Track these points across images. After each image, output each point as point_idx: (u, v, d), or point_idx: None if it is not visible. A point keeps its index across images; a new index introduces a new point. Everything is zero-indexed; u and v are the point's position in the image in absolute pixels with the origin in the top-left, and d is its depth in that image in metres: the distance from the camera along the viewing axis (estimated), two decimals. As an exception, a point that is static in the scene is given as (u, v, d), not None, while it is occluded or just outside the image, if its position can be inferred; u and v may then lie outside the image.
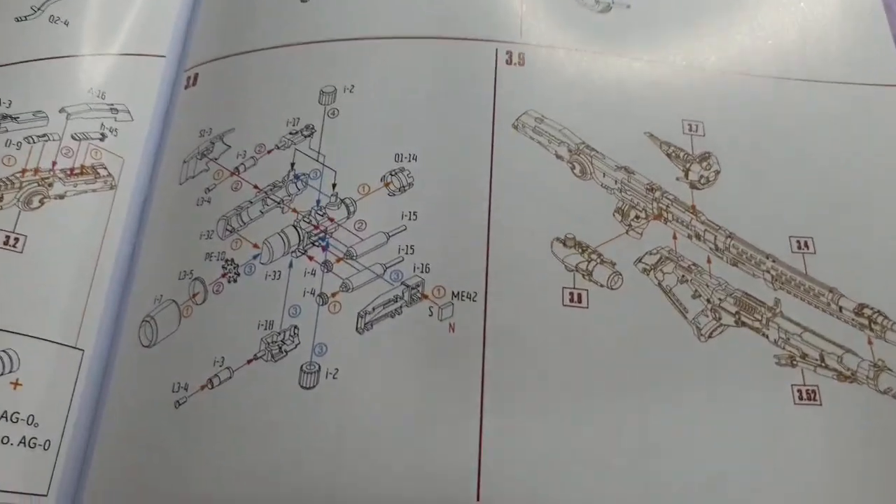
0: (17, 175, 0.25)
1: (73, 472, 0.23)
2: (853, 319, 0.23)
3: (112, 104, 0.27)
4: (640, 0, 0.28)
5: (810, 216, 0.24)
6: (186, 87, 0.29)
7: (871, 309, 0.23)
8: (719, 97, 0.26)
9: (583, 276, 0.23)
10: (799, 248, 0.24)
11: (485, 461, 0.21)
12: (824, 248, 0.24)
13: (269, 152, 0.26)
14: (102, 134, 0.27)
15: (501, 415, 0.22)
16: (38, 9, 0.28)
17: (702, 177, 0.25)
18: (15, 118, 0.26)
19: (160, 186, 0.27)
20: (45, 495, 0.23)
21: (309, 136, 0.26)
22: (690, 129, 0.25)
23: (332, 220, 0.24)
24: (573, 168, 0.25)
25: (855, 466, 0.21)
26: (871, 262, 0.24)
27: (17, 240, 0.25)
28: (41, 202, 0.25)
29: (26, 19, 0.27)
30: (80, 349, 0.24)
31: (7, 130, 0.26)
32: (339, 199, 0.25)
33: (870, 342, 0.23)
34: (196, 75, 0.29)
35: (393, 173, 0.25)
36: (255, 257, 0.24)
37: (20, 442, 0.23)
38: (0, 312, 0.23)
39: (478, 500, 0.21)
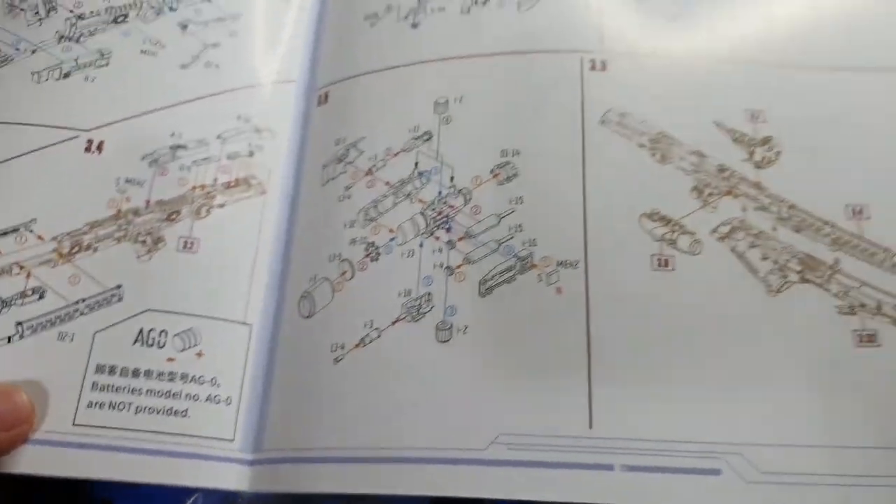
0: (189, 192, 0.31)
1: (253, 421, 0.29)
2: (906, 272, 0.27)
3: (257, 126, 0.33)
4: (709, 4, 0.32)
5: (865, 185, 0.28)
6: (319, 105, 0.34)
7: (922, 262, 0.27)
8: (780, 88, 0.30)
9: (668, 244, 0.28)
10: (854, 214, 0.28)
11: (595, 398, 0.26)
12: (879, 213, 0.28)
13: (395, 155, 0.31)
14: (251, 151, 0.33)
15: (606, 362, 0.26)
16: (196, 57, 0.34)
17: (764, 157, 0.29)
18: (185, 147, 0.32)
19: (305, 189, 0.33)
20: (231, 440, 0.28)
21: (428, 140, 0.31)
22: (753, 118, 0.30)
23: (452, 206, 0.29)
24: (654, 154, 0.29)
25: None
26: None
27: (192, 243, 0.30)
28: (208, 212, 0.31)
29: (188, 66, 0.34)
30: (248, 324, 0.30)
31: (180, 157, 0.32)
32: (457, 190, 0.30)
33: (921, 290, 0.26)
34: (326, 94, 0.34)
35: (500, 166, 0.30)
36: (391, 240, 0.29)
37: (206, 398, 0.28)
38: (183, 301, 0.29)
39: (590, 427, 0.25)
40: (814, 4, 0.32)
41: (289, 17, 0.36)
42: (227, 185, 0.32)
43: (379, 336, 0.28)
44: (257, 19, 0.36)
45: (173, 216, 0.30)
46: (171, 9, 0.35)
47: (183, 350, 0.28)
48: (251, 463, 0.28)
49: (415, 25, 0.34)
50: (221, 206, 0.31)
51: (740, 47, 0.31)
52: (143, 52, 0.34)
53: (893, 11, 0.31)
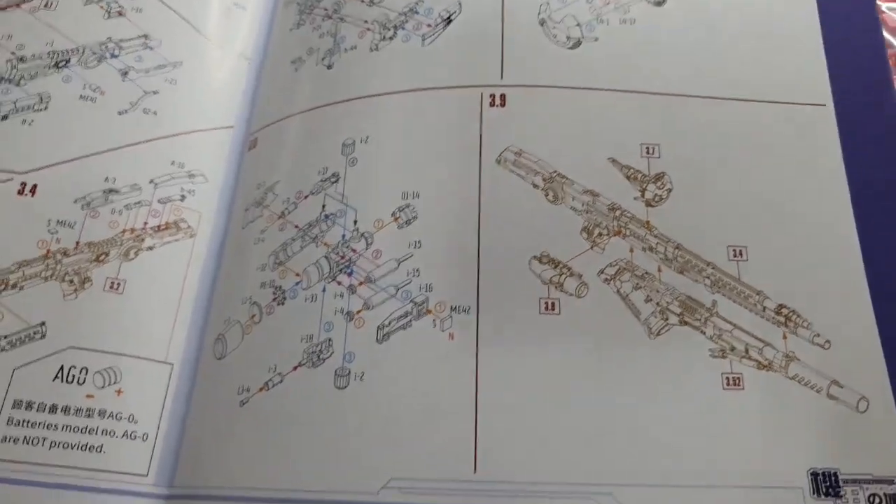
0: (119, 235, 0.33)
1: (169, 457, 0.30)
2: (773, 317, 0.27)
3: (190, 171, 0.35)
4: (606, 33, 0.33)
5: (746, 227, 0.28)
6: (249, 150, 0.36)
7: (788, 308, 0.27)
8: (674, 121, 0.30)
9: (555, 287, 0.28)
10: (735, 256, 0.28)
11: (480, 442, 0.27)
12: (756, 255, 0.28)
13: (305, 197, 0.32)
14: (182, 195, 0.34)
15: (492, 406, 0.27)
16: (134, 104, 0.35)
17: (656, 195, 0.29)
18: (118, 191, 0.34)
19: (231, 231, 0.34)
20: (146, 475, 0.30)
21: (335, 182, 0.32)
22: (648, 153, 0.30)
23: (354, 250, 0.31)
24: (547, 195, 0.30)
25: (768, 439, 0.25)
26: (791, 267, 0.28)
27: (119, 284, 0.32)
28: (136, 254, 0.33)
29: (126, 112, 0.35)
30: (170, 363, 0.32)
31: (113, 201, 0.33)
32: (359, 233, 0.31)
33: (784, 337, 0.27)
34: (256, 139, 0.35)
35: (401, 209, 0.31)
36: (297, 284, 0.31)
37: (123, 435, 0.30)
38: (107, 339, 0.31)
39: (474, 472, 0.26)
40: (708, 34, 0.32)
41: (230, 64, 0.38)
42: (157, 229, 0.33)
43: (281, 381, 0.29)
44: (199, 67, 0.37)
45: (102, 258, 0.32)
46: (112, 56, 0.36)
47: (103, 387, 0.30)
48: (166, 498, 0.30)
49: (329, 66, 0.34)
50: (150, 248, 0.33)
51: (639, 77, 0.31)
52: (82, 97, 0.35)
53: (778, 45, 0.31)
